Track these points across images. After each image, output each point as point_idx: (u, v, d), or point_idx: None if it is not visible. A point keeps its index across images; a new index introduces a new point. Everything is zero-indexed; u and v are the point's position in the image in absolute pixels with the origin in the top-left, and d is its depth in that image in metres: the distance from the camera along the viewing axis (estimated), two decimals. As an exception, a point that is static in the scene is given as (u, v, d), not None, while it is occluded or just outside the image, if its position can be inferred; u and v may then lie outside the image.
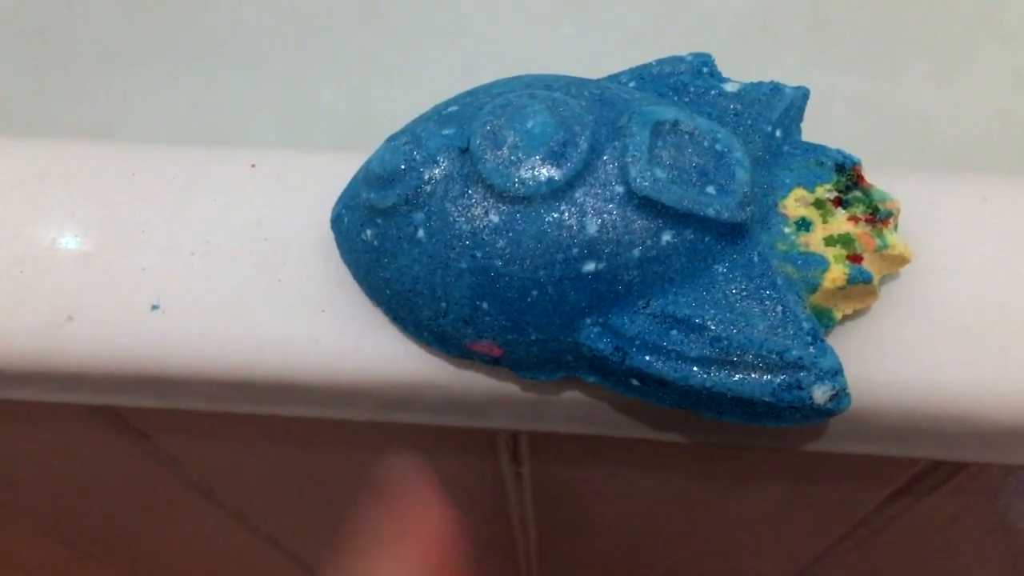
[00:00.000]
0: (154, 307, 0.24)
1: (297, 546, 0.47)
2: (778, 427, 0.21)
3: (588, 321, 0.20)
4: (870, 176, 0.23)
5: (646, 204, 0.20)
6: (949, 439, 0.23)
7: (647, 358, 0.20)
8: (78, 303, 0.24)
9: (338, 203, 0.23)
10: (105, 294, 0.24)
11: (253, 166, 0.25)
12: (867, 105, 0.53)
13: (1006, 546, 0.35)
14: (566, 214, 0.20)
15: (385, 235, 0.21)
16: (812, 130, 0.50)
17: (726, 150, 0.21)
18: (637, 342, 0.20)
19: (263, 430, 0.30)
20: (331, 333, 0.23)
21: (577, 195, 0.20)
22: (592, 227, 0.20)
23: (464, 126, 0.21)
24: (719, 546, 0.37)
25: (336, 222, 0.23)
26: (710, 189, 0.20)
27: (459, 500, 0.35)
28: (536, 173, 0.20)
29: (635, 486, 0.31)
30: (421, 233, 0.21)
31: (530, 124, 0.20)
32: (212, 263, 0.24)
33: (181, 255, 0.24)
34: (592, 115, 0.21)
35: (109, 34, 0.53)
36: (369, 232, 0.22)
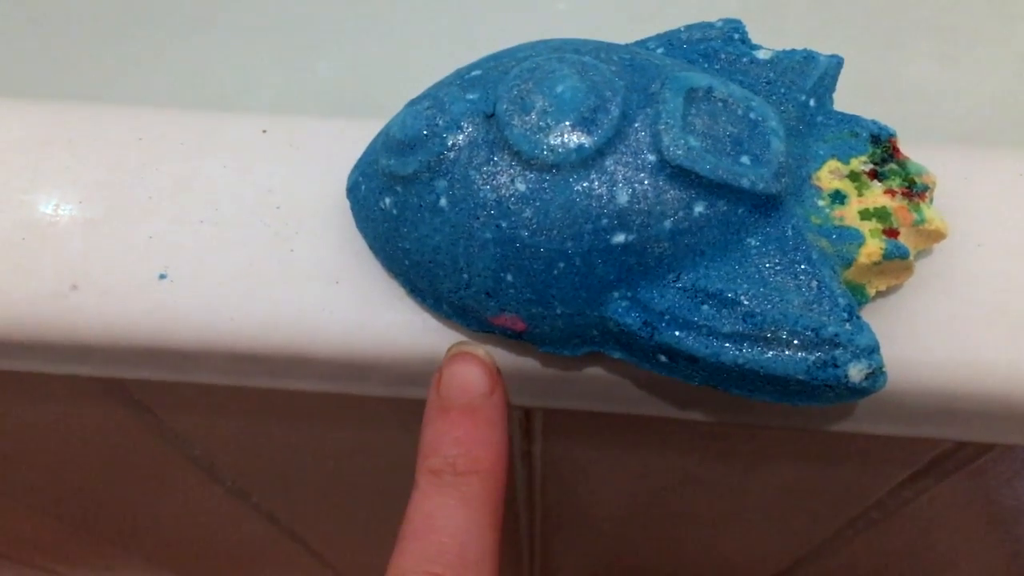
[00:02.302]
0: (161, 276, 0.23)
1: (297, 524, 0.46)
2: (809, 406, 0.20)
3: (616, 295, 0.20)
4: (905, 149, 0.22)
5: (679, 174, 0.19)
6: (980, 420, 0.22)
7: (677, 333, 0.19)
8: (82, 272, 0.23)
9: (354, 170, 0.22)
10: (111, 263, 0.23)
11: (264, 132, 0.25)
12: (871, 85, 0.52)
13: (1018, 530, 0.34)
14: (596, 183, 0.19)
15: (405, 203, 0.21)
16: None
17: (761, 119, 0.20)
18: (667, 317, 0.19)
19: (269, 405, 0.29)
20: (346, 305, 0.22)
21: (608, 163, 0.19)
22: (623, 197, 0.19)
23: (489, 90, 0.20)
24: (728, 526, 0.37)
25: (352, 190, 0.22)
26: (744, 159, 0.20)
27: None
28: (566, 140, 0.19)
29: (649, 466, 0.30)
30: (443, 202, 0.20)
31: (560, 89, 0.19)
32: (222, 232, 0.23)
33: (190, 223, 0.23)
34: (623, 80, 0.20)
35: (102, 1, 0.52)
36: (388, 200, 0.21)
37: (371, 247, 0.22)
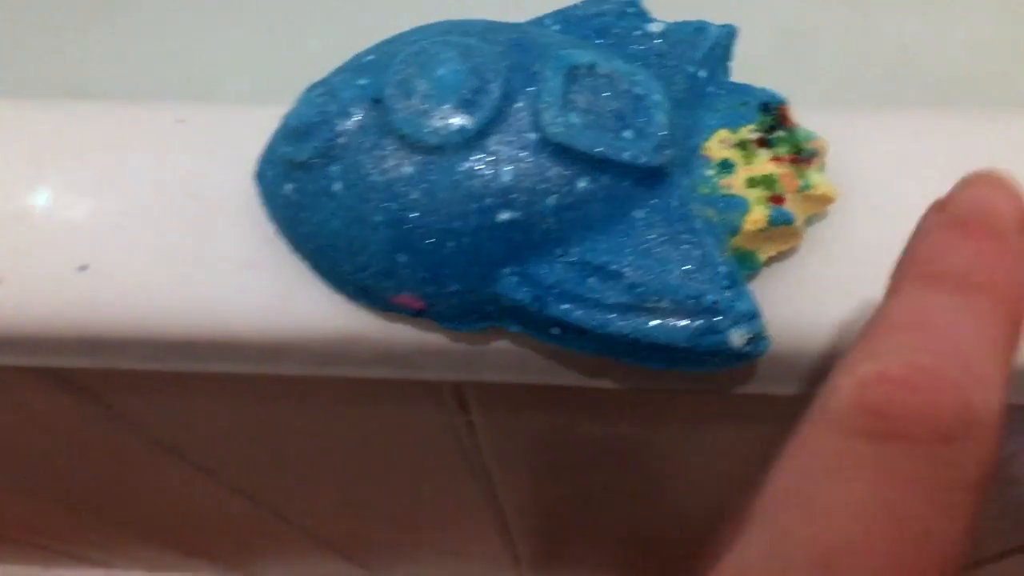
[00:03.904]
0: (82, 268, 0.23)
1: (271, 497, 0.47)
2: (702, 372, 0.21)
3: (506, 271, 0.20)
4: (800, 114, 0.23)
5: (560, 151, 0.20)
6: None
7: (565, 306, 0.20)
8: (4, 264, 0.23)
9: (261, 157, 0.23)
10: (32, 255, 0.24)
11: (181, 121, 0.25)
12: (845, 37, 0.52)
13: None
14: (479, 163, 0.20)
15: (303, 189, 0.21)
16: (787, 63, 0.49)
17: (645, 93, 0.20)
18: (555, 291, 0.20)
19: (214, 387, 0.30)
20: (260, 289, 0.23)
21: (490, 143, 0.20)
22: (506, 176, 0.20)
23: (379, 76, 0.21)
24: (679, 489, 0.38)
25: (259, 177, 0.23)
26: (627, 133, 0.20)
27: (416, 451, 0.36)
28: (447, 122, 0.20)
29: (582, 433, 0.31)
30: (337, 186, 0.21)
31: (440, 72, 0.20)
32: (140, 221, 0.24)
33: (109, 214, 0.24)
34: (507, 61, 0.20)
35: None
36: (289, 187, 0.22)
37: (280, 232, 0.23)
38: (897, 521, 0.13)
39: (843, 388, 0.14)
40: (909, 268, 0.16)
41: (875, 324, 0.15)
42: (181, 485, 0.45)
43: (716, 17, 0.23)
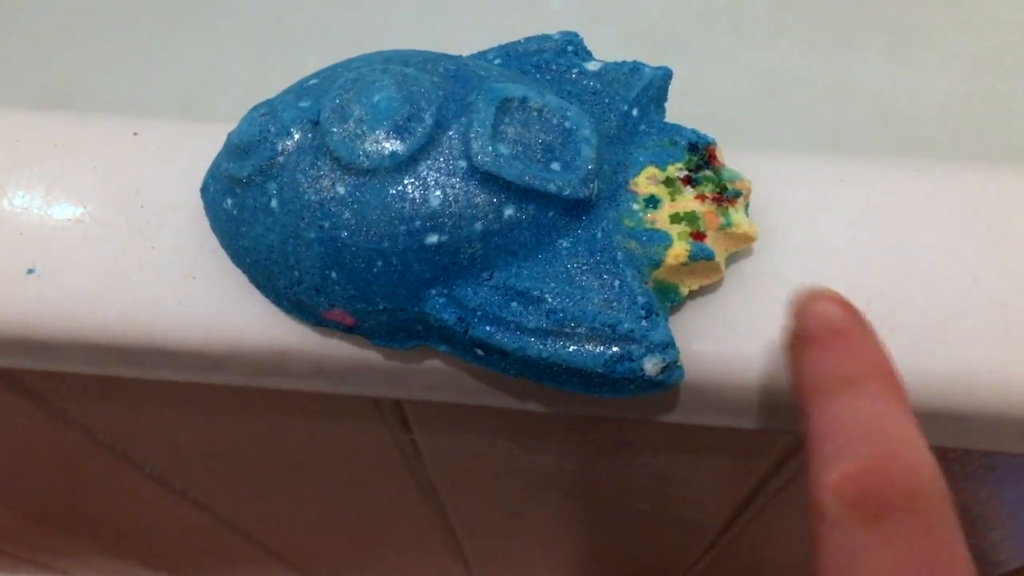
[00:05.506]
0: (30, 271, 0.24)
1: (228, 510, 0.48)
2: (620, 398, 0.22)
3: (433, 292, 0.21)
4: (731, 156, 0.24)
5: (488, 179, 0.20)
6: (794, 413, 0.23)
7: (488, 328, 0.21)
8: (-47, 266, 0.24)
9: (207, 172, 0.24)
10: (-19, 258, 0.24)
11: (135, 134, 0.26)
12: (825, 85, 0.54)
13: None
14: (409, 187, 0.20)
15: (243, 204, 0.22)
16: (767, 108, 0.50)
17: (574, 127, 0.21)
18: (479, 313, 0.21)
19: (164, 394, 0.31)
20: (200, 299, 0.24)
21: (421, 169, 0.20)
22: (435, 200, 0.20)
23: (319, 99, 0.21)
24: (621, 521, 0.38)
25: (204, 191, 0.24)
26: (555, 165, 0.21)
27: (366, 468, 0.36)
28: (380, 146, 0.20)
29: (515, 457, 0.31)
30: (274, 203, 0.21)
31: (376, 98, 0.21)
32: (88, 229, 0.25)
33: (59, 221, 0.25)
34: (442, 91, 0.21)
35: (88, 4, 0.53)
36: (229, 201, 0.22)
37: (221, 245, 0.24)
38: (926, 568, 0.17)
39: (826, 500, 0.18)
40: (805, 392, 0.20)
41: (813, 443, 0.19)
42: (139, 496, 0.45)
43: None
